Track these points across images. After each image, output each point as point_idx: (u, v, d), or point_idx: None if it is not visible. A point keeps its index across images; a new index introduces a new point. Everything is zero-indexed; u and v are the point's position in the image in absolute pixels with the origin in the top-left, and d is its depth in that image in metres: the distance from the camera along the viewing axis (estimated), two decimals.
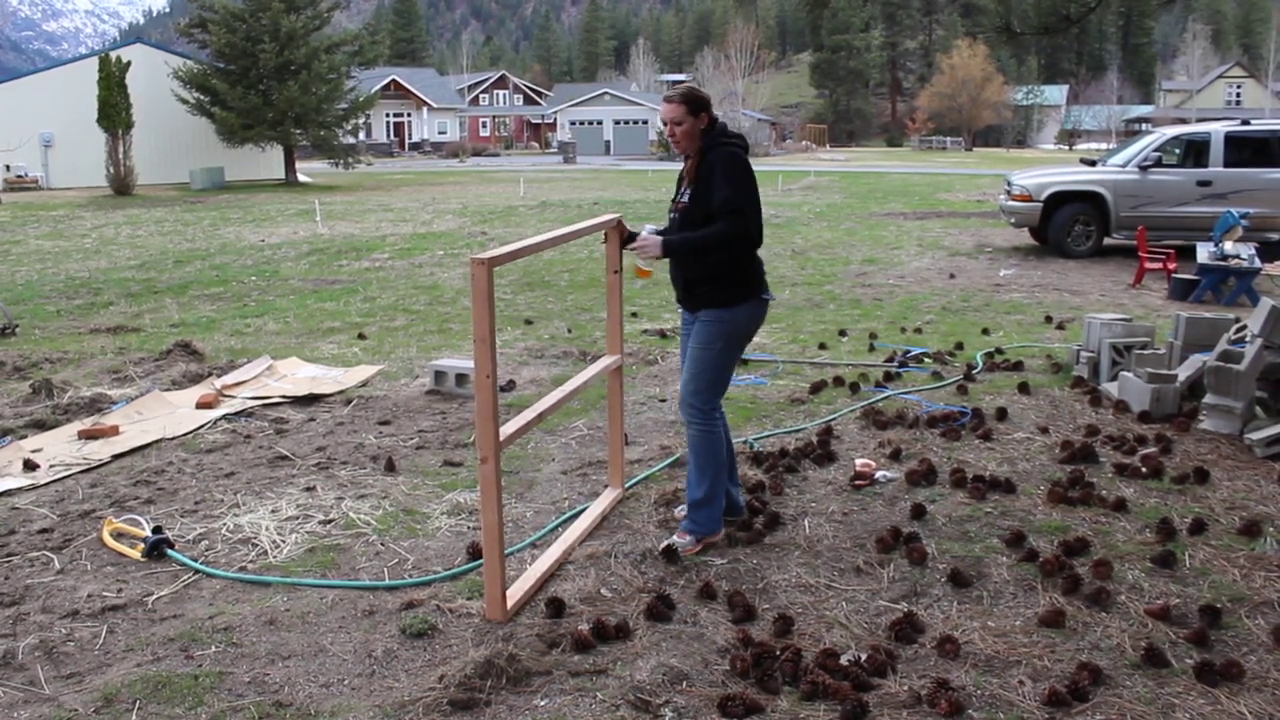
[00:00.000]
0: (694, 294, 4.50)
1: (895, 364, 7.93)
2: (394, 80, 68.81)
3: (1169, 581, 4.14)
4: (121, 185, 30.19)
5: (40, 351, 8.68)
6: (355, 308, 10.88)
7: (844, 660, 3.47)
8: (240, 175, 36.53)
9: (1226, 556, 4.37)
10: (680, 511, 4.86)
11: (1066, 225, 14.61)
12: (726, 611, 3.90)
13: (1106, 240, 14.71)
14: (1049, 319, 9.86)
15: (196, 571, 4.35)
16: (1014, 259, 14.66)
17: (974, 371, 7.64)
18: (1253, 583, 4.12)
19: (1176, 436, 6.01)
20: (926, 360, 8.06)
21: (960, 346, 8.55)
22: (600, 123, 74.11)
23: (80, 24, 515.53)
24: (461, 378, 7.06)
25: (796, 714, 3.22)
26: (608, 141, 72.90)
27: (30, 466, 5.65)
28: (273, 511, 5.01)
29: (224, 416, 6.66)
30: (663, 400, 6.96)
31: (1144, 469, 5.40)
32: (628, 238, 4.83)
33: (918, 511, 4.84)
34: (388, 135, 69.25)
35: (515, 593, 4.00)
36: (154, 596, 4.12)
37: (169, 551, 4.49)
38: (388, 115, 69.30)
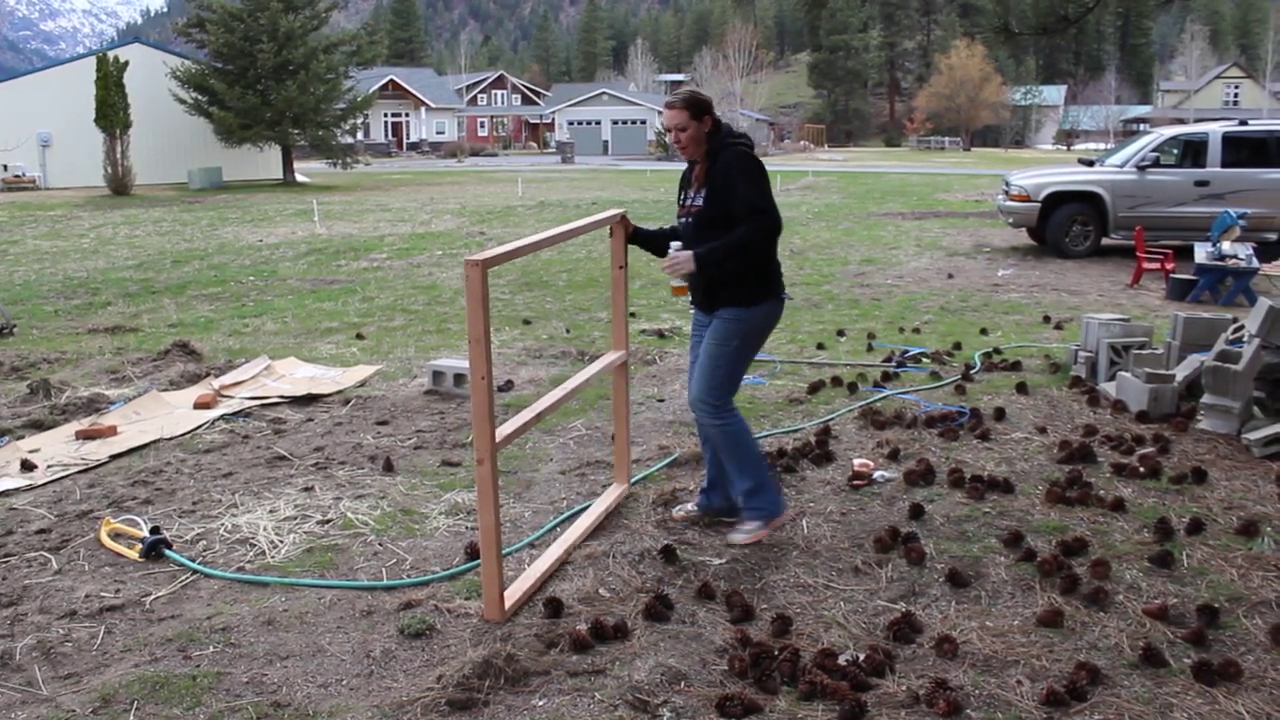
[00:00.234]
0: (715, 295, 4.47)
1: (893, 364, 7.93)
2: (392, 80, 68.81)
3: (1167, 581, 4.14)
4: (119, 185, 30.16)
5: (38, 352, 8.68)
6: (353, 308, 10.88)
7: (842, 660, 3.47)
8: (238, 175, 36.49)
9: (1224, 556, 4.37)
10: (679, 512, 4.86)
11: (1064, 225, 14.62)
12: (725, 611, 3.90)
13: (1104, 240, 14.72)
14: (1047, 319, 9.86)
15: (194, 572, 4.34)
16: (1012, 259, 14.67)
17: (972, 371, 7.65)
18: (1250, 582, 4.12)
19: (1174, 436, 6.01)
20: (924, 360, 8.06)
21: (958, 346, 8.55)
22: (598, 123, 74.11)
23: (78, 24, 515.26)
24: (460, 378, 7.06)
25: (795, 714, 3.22)
26: (606, 141, 72.90)
27: (28, 467, 5.65)
28: (271, 512, 5.01)
29: (222, 417, 6.66)
30: (661, 400, 6.96)
31: (1142, 469, 5.40)
32: (633, 234, 4.81)
33: (916, 511, 4.84)
34: (386, 135, 69.23)
35: (515, 591, 4.00)
36: (152, 597, 4.11)
37: (167, 552, 4.49)
38: (386, 115, 69.28)
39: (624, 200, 26.19)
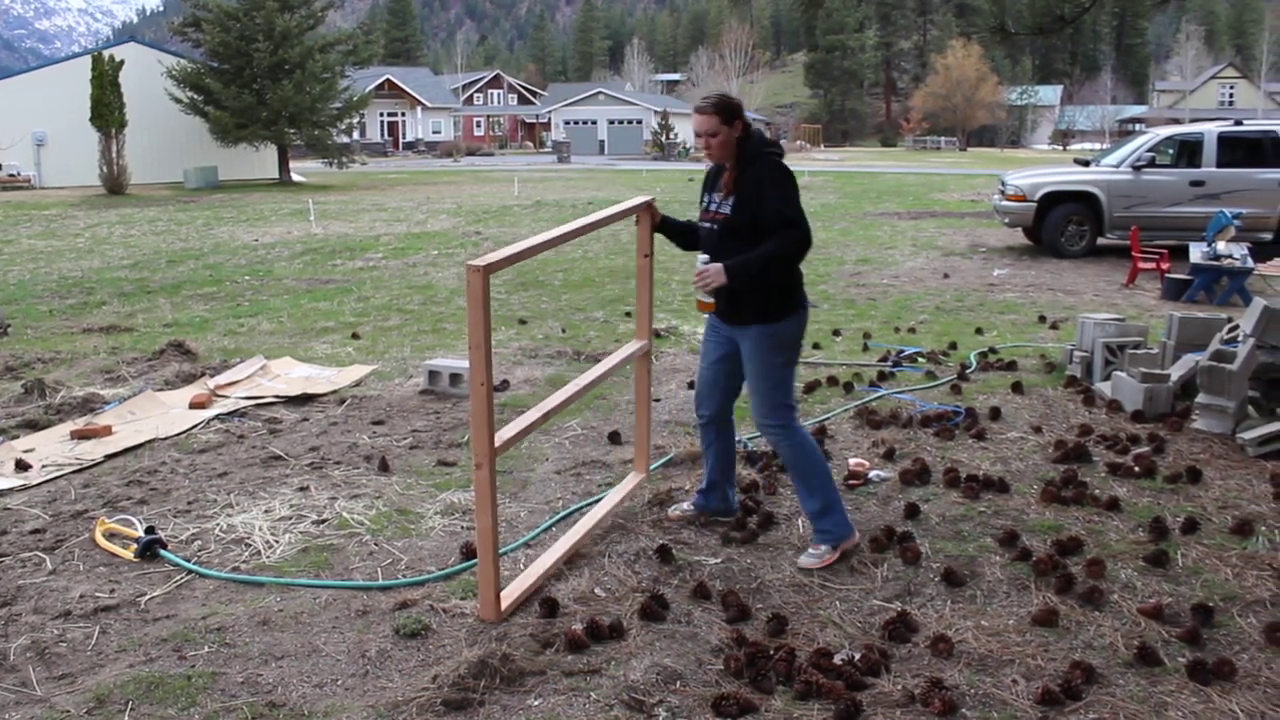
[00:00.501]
0: (739, 309, 4.35)
1: (889, 364, 7.94)
2: (388, 80, 68.73)
3: (1162, 580, 4.15)
4: (115, 184, 30.10)
5: (33, 351, 8.66)
6: (349, 307, 10.87)
7: (838, 660, 3.47)
8: (234, 175, 36.44)
9: (1219, 555, 4.38)
10: (675, 511, 4.86)
11: (1060, 225, 14.63)
12: (720, 611, 3.90)
13: (1100, 240, 14.74)
14: (1042, 319, 9.87)
15: (189, 572, 4.34)
16: (1008, 259, 14.68)
17: (968, 371, 7.65)
18: (1245, 581, 4.13)
19: (1169, 436, 6.02)
20: (920, 360, 8.07)
21: (954, 346, 8.56)
22: (595, 122, 74.08)
23: (73, 22, 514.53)
24: (455, 378, 7.06)
25: (790, 713, 3.22)
26: (602, 141, 72.86)
27: (22, 467, 5.64)
28: (266, 511, 5.00)
29: (217, 416, 6.65)
30: (657, 400, 6.95)
31: (1137, 468, 5.41)
32: (660, 223, 4.74)
33: (911, 511, 4.84)
34: (382, 135, 69.15)
35: (518, 587, 4.00)
36: (146, 597, 4.11)
37: (162, 552, 4.48)
38: (382, 115, 69.21)
39: (620, 200, 26.16)
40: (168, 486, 5.40)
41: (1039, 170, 16.46)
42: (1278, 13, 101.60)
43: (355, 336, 9.24)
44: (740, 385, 4.61)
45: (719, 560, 4.39)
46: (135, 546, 4.50)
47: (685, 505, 4.87)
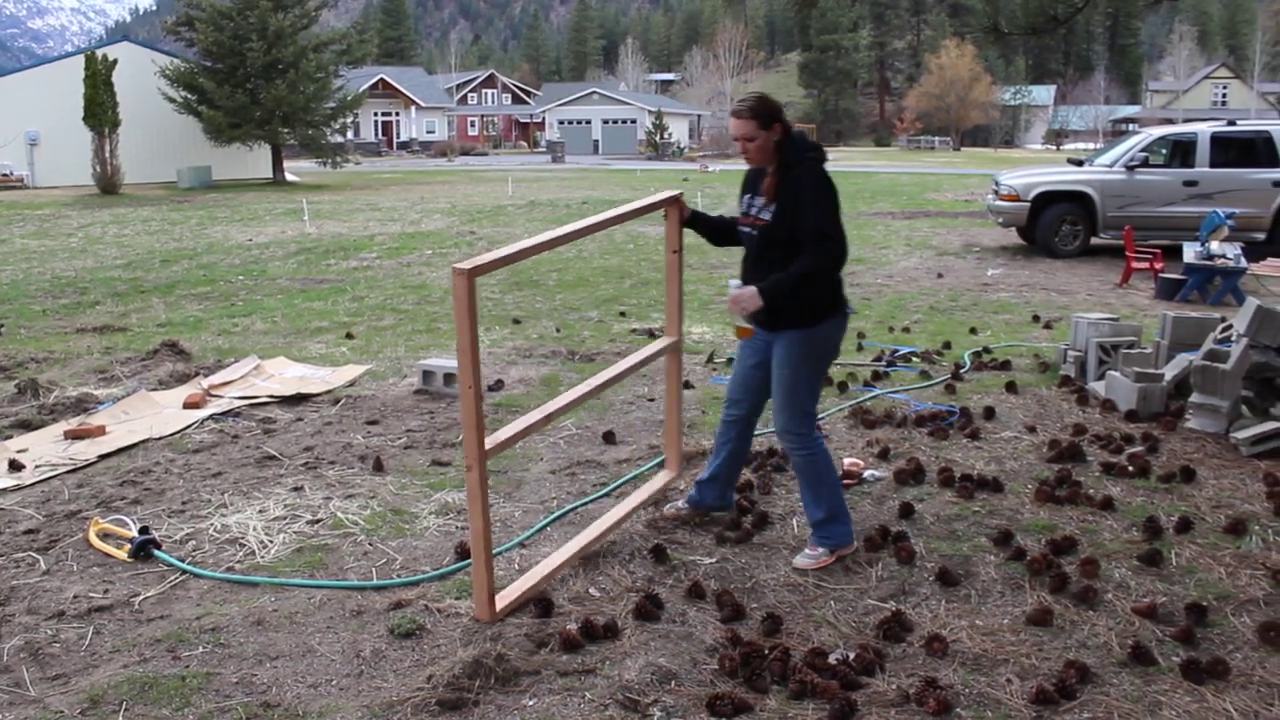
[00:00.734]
0: (777, 314, 4.23)
1: (883, 363, 7.94)
2: (382, 79, 68.65)
3: (1155, 580, 4.16)
4: (108, 184, 30.05)
5: (26, 351, 8.64)
6: (343, 307, 10.86)
7: (832, 659, 3.48)
8: (228, 174, 36.38)
9: (1212, 555, 4.38)
10: (670, 509, 4.85)
11: (1054, 225, 14.66)
12: (715, 611, 3.90)
13: (1094, 240, 14.77)
14: (1036, 318, 9.89)
15: (184, 572, 4.33)
16: (1001, 258, 14.70)
17: (962, 371, 7.66)
18: (1238, 580, 4.14)
19: (1163, 435, 6.03)
20: (914, 359, 8.08)
21: (948, 346, 8.57)
22: (589, 122, 74.12)
23: (66, 21, 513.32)
24: (449, 377, 7.05)
25: (785, 713, 3.22)
26: (596, 141, 72.90)
27: (16, 467, 5.62)
28: (260, 511, 5.00)
29: (211, 416, 6.64)
30: (651, 400, 6.95)
31: (1131, 468, 5.42)
32: (690, 218, 4.62)
33: (906, 510, 4.85)
34: (376, 134, 69.09)
35: (524, 584, 4.00)
36: (141, 597, 4.10)
37: (156, 552, 4.47)
38: (376, 114, 69.14)
39: (615, 200, 26.17)
40: (162, 486, 5.39)
41: (1033, 170, 16.50)
42: (1270, 13, 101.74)
43: (349, 336, 9.23)
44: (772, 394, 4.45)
45: (714, 560, 4.39)
46: (129, 547, 4.49)
47: (679, 503, 4.86)
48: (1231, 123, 14.90)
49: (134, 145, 32.89)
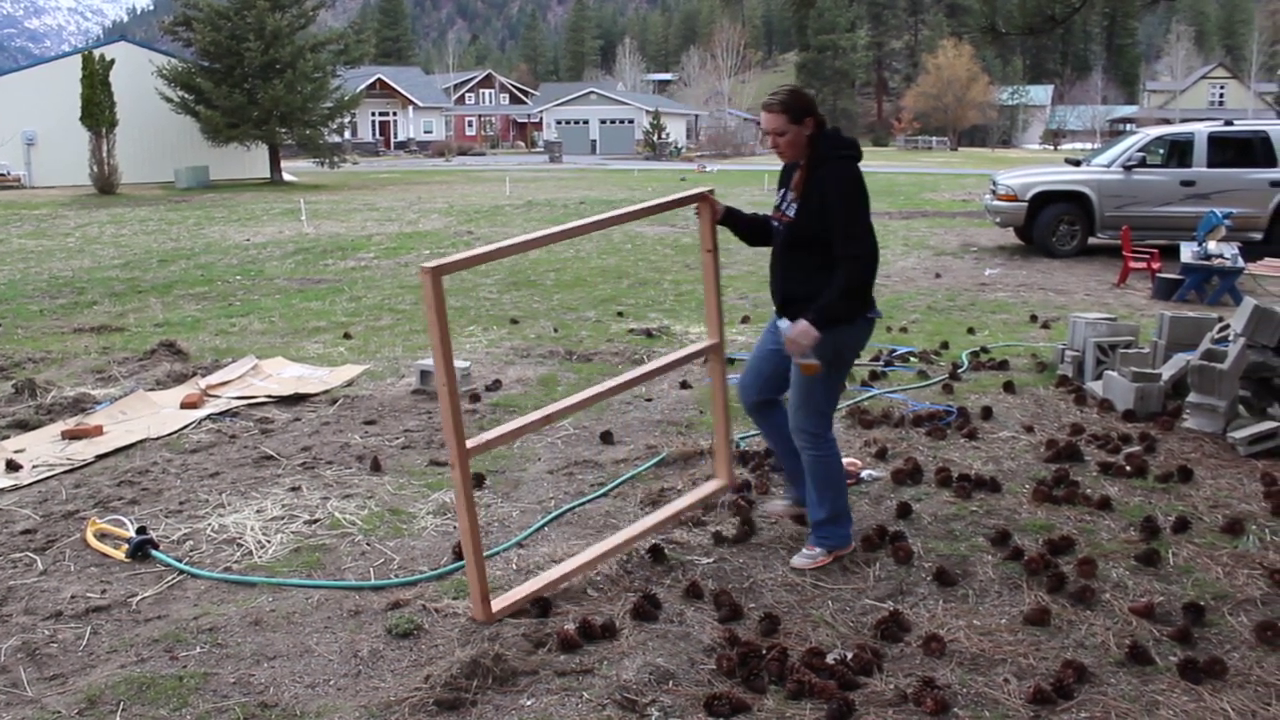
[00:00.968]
0: (791, 311, 4.19)
1: (881, 363, 7.94)
2: (379, 79, 68.62)
3: (1153, 579, 4.16)
4: (105, 184, 30.02)
5: (23, 351, 8.64)
6: (341, 307, 10.85)
7: (830, 659, 3.48)
8: (225, 174, 36.35)
9: (1210, 554, 4.39)
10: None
11: (1051, 225, 14.67)
12: (713, 611, 3.90)
13: (1091, 240, 14.79)
14: (1034, 318, 9.90)
15: (181, 572, 4.33)
16: (999, 258, 14.71)
17: (959, 370, 7.67)
18: (1235, 580, 4.14)
19: (1160, 435, 6.04)
20: (912, 359, 8.08)
21: (946, 345, 8.57)
22: (586, 122, 74.11)
23: (63, 21, 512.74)
24: None
25: (782, 713, 3.22)
26: (594, 141, 72.91)
27: (13, 467, 5.62)
28: (258, 512, 4.99)
29: (209, 416, 6.64)
30: (649, 400, 6.95)
31: (1128, 467, 5.42)
32: (724, 215, 4.43)
33: (903, 510, 4.85)
34: (373, 134, 69.08)
35: (534, 585, 4.00)
36: (138, 597, 4.10)
37: (153, 552, 4.47)
38: (373, 114, 69.12)
39: (612, 199, 26.18)
40: (159, 487, 5.39)
41: (1030, 170, 16.51)
42: (1267, 13, 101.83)
43: (347, 336, 9.23)
44: (786, 384, 4.38)
45: (711, 560, 4.39)
46: (126, 547, 4.49)
47: (782, 502, 4.71)
48: (1229, 123, 14.91)
49: (131, 145, 32.86)
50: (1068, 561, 4.28)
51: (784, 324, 4.13)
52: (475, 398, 6.93)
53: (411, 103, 70.77)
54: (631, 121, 72.39)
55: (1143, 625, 3.76)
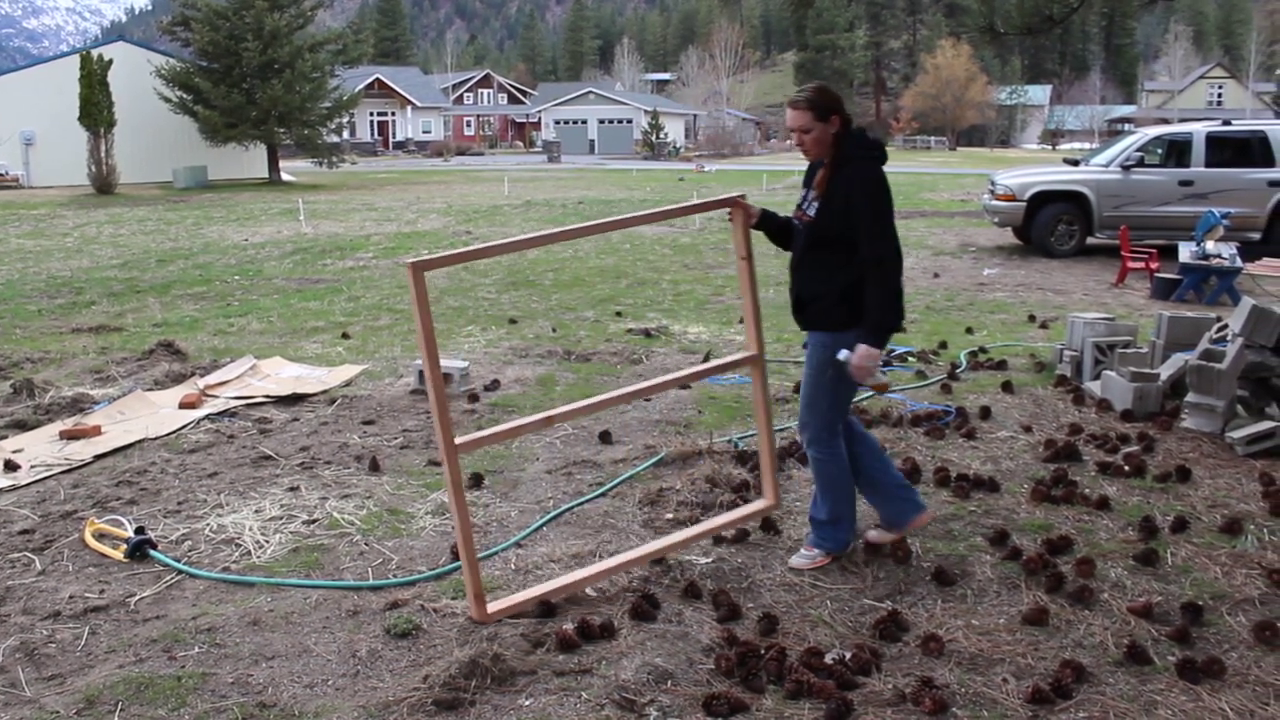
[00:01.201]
0: (804, 312, 4.21)
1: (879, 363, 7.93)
2: (378, 79, 68.63)
3: (1151, 579, 4.16)
4: (103, 184, 30.00)
5: (21, 351, 8.63)
6: (339, 307, 10.85)
7: (829, 659, 3.48)
8: (224, 174, 36.34)
9: (1208, 554, 4.39)
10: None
11: (1050, 225, 14.67)
12: (711, 610, 3.90)
13: (1089, 240, 14.79)
14: (1032, 318, 9.90)
15: (179, 572, 4.32)
16: (997, 258, 14.71)
17: (958, 370, 7.67)
18: (1234, 580, 4.15)
19: (1159, 435, 6.04)
20: (910, 359, 8.08)
21: (944, 345, 8.57)
22: (585, 122, 74.11)
23: (61, 21, 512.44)
24: (446, 378, 7.04)
25: (781, 713, 3.22)
26: (592, 141, 72.91)
27: (11, 467, 5.61)
28: (256, 512, 4.99)
29: (207, 416, 6.63)
30: (647, 400, 6.95)
31: (1126, 467, 5.43)
32: (762, 218, 4.30)
33: None
34: (372, 134, 69.06)
35: (540, 589, 4.00)
36: (136, 597, 4.09)
37: (152, 552, 4.47)
38: (372, 114, 69.12)
39: (611, 199, 26.19)
40: (157, 487, 5.38)
41: (1028, 170, 16.51)
42: (1266, 13, 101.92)
43: (345, 336, 9.23)
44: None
45: (710, 560, 4.39)
46: (125, 547, 4.49)
47: (876, 530, 4.52)
48: (1227, 122, 14.93)
49: (129, 145, 32.83)
50: (1066, 561, 4.29)
51: (844, 354, 4.02)
52: (474, 397, 6.93)
53: (410, 103, 70.77)
54: (630, 121, 72.38)
55: (1141, 625, 3.76)
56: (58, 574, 4.34)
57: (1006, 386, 7.14)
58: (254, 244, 16.97)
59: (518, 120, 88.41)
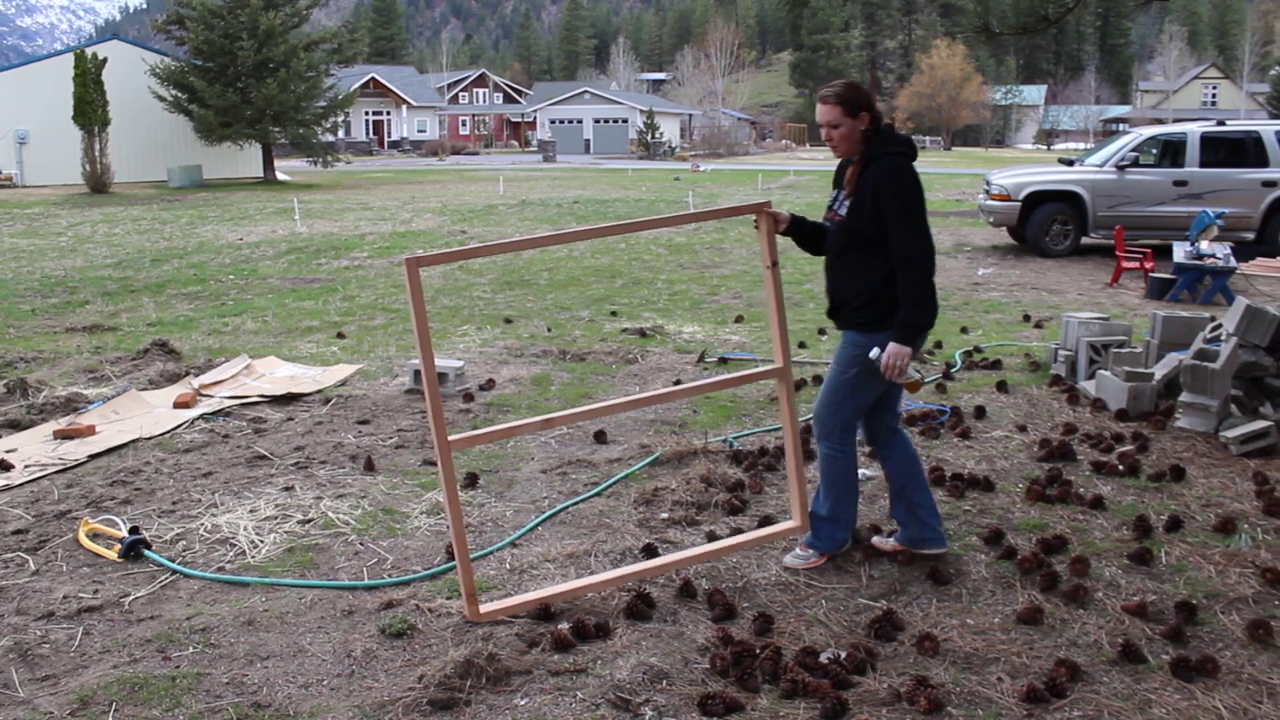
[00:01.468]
0: (839, 313, 4.18)
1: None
2: (373, 78, 68.53)
3: (1145, 578, 4.17)
4: (98, 183, 29.94)
5: (15, 350, 8.61)
6: (334, 306, 10.84)
7: (824, 658, 3.48)
8: (218, 173, 36.28)
9: (1202, 553, 4.40)
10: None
11: (1044, 224, 14.69)
12: (706, 610, 3.90)
13: (1084, 239, 14.82)
14: (1027, 318, 9.91)
15: (174, 572, 4.32)
16: (992, 258, 14.73)
17: (953, 370, 7.68)
18: (1227, 579, 4.15)
19: (1153, 434, 6.05)
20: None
21: (939, 345, 8.58)
22: (580, 121, 74.05)
23: (55, 20, 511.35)
24: (441, 377, 7.04)
25: (776, 712, 3.22)
26: (587, 140, 72.84)
27: (4, 467, 5.60)
28: (251, 511, 4.98)
29: (201, 416, 6.62)
30: None
31: (1121, 467, 5.44)
32: (792, 224, 4.23)
33: None
34: (367, 133, 68.98)
35: (540, 594, 3.99)
36: (131, 597, 4.09)
37: (146, 552, 4.46)
38: (367, 113, 69.04)
39: (606, 199, 26.18)
40: (152, 486, 5.38)
41: (1023, 170, 16.52)
42: (1260, 14, 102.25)
43: (340, 336, 9.22)
44: (885, 397, 4.29)
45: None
46: (119, 547, 4.48)
47: (890, 539, 4.45)
48: (1221, 123, 14.96)
49: (124, 144, 32.79)
50: (1061, 560, 4.29)
51: (875, 353, 3.99)
52: (469, 397, 6.93)
53: (405, 102, 70.68)
54: (625, 121, 72.35)
55: (1135, 624, 3.77)
56: (52, 574, 4.33)
57: (1001, 386, 7.15)
58: (249, 243, 16.95)
59: (513, 120, 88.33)
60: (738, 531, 4.60)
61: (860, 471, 5.35)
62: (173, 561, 4.40)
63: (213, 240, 17.44)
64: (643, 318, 9.97)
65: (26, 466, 5.65)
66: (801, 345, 8.60)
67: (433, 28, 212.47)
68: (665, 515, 4.87)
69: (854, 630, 3.75)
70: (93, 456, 5.85)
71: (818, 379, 7.29)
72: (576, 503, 5.07)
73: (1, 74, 37.63)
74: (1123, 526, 4.69)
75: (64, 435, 6.14)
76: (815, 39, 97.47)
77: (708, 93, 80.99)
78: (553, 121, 73.71)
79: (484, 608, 3.86)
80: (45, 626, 3.86)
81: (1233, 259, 11.14)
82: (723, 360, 8.04)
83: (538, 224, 19.78)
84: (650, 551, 4.38)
